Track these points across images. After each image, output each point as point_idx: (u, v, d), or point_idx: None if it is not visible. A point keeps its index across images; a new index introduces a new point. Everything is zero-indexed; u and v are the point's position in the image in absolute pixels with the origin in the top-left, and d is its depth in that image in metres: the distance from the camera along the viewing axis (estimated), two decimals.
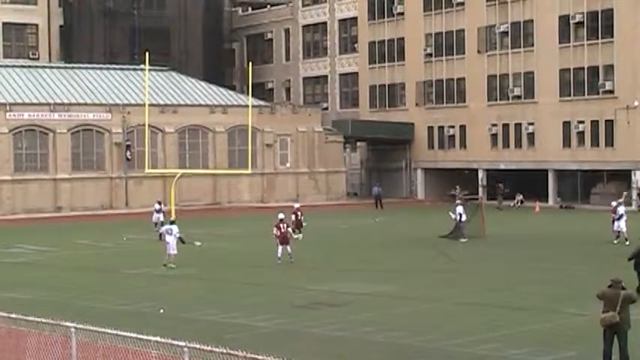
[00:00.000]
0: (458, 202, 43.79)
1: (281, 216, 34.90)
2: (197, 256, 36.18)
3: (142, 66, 57.75)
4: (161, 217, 46.66)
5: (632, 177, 61.48)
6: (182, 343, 12.66)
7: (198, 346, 12.53)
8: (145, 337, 13.38)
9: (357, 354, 19.25)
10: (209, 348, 12.40)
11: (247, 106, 57.59)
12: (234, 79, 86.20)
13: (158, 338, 13.18)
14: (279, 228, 34.06)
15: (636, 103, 60.35)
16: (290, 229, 35.25)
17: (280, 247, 33.81)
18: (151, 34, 76.76)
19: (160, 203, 48.44)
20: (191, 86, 70.87)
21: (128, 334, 13.70)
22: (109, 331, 14.04)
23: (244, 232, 47.79)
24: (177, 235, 33.54)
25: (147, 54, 51.79)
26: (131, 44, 76.75)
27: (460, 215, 41.57)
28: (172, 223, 34.69)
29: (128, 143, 64.31)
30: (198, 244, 40.07)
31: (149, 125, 56.62)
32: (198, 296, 27.03)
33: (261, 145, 68.39)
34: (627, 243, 37.04)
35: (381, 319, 22.76)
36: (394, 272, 31.69)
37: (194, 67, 77.62)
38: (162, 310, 24.03)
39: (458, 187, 61.27)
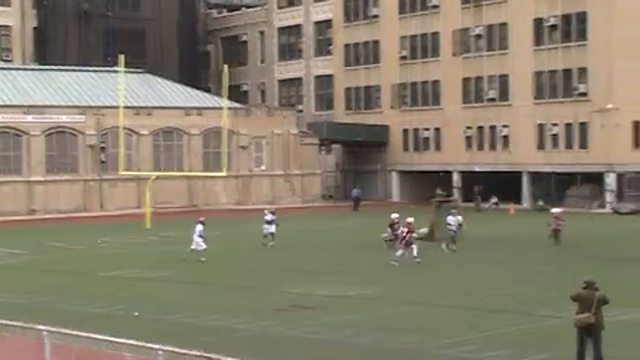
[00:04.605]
0: (454, 210, 40.29)
1: (409, 220, 35.05)
2: (175, 259, 36.05)
3: (117, 68, 57.49)
4: (272, 228, 40.56)
5: (606, 179, 61.85)
6: (156, 346, 12.56)
7: (172, 349, 12.44)
8: (120, 340, 13.28)
9: (336, 357, 19.20)
10: (183, 351, 12.31)
11: (222, 108, 57.46)
12: (210, 81, 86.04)
13: (132, 341, 13.08)
14: (401, 230, 34.83)
15: (610, 106, 60.70)
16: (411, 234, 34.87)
17: (402, 250, 34.15)
18: (125, 36, 76.53)
19: (273, 213, 41.33)
20: (166, 88, 70.65)
21: (102, 337, 13.59)
22: (82, 334, 13.91)
23: (221, 234, 47.49)
24: (200, 234, 36.03)
25: (122, 56, 51.58)
26: (106, 46, 76.49)
27: (450, 224, 39.95)
28: (200, 222, 36.45)
29: (102, 145, 64.00)
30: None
31: (124, 127, 56.40)
32: (175, 299, 26.88)
33: (236, 148, 68.27)
34: None
35: (360, 321, 22.73)
36: (373, 274, 31.67)
37: (169, 69, 77.44)
38: (136, 314, 23.89)
39: (439, 190, 60.49)
